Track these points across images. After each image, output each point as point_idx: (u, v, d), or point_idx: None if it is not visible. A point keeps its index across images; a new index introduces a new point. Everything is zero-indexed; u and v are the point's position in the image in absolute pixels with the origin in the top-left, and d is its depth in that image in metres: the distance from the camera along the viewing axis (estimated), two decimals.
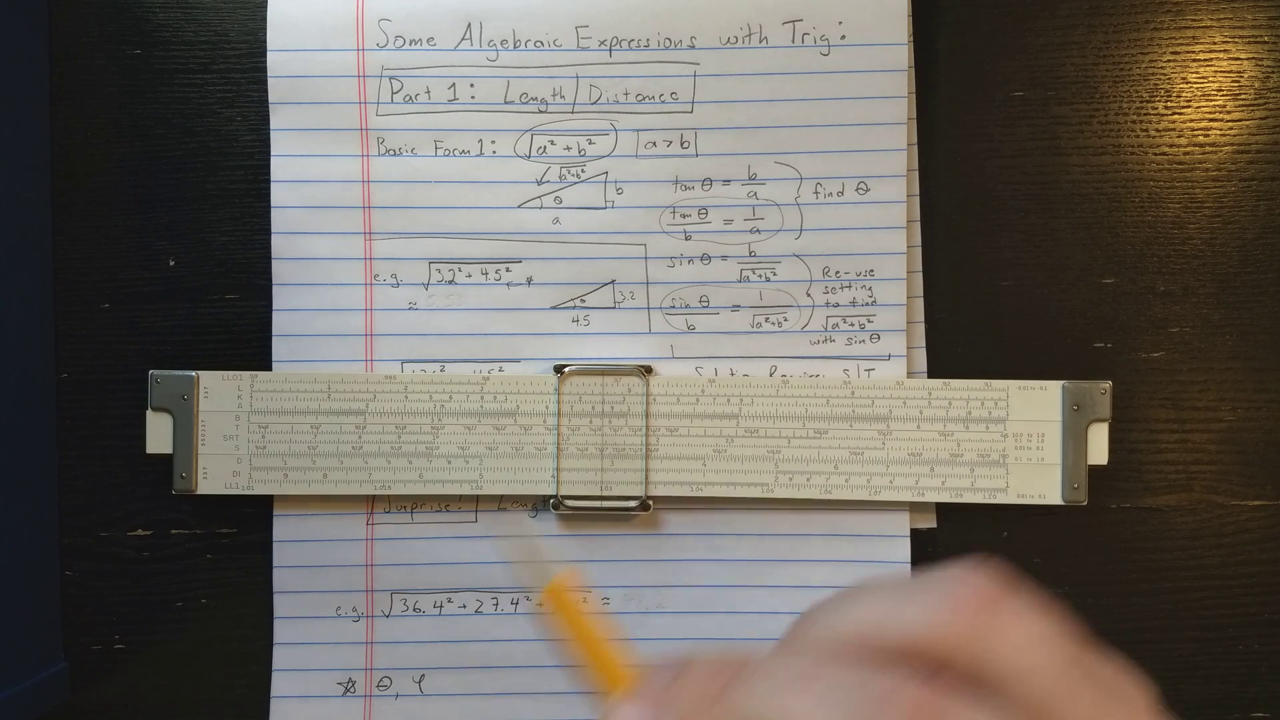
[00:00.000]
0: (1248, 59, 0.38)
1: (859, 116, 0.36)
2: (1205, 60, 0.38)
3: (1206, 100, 0.38)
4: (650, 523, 0.37)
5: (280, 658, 0.37)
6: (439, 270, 0.37)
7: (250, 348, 0.37)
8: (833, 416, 0.36)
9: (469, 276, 0.37)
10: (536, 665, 0.37)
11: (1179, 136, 0.38)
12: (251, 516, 0.37)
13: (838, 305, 0.37)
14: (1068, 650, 0.18)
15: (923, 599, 0.18)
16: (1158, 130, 0.38)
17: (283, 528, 0.37)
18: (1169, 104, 0.38)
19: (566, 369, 0.36)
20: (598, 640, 0.23)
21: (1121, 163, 0.38)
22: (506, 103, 0.37)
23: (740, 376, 0.36)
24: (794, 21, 0.36)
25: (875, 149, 0.36)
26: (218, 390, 0.36)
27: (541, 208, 0.37)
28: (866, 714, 0.17)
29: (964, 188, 0.38)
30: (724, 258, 0.37)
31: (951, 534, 0.37)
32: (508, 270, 0.37)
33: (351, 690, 0.37)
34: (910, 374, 0.37)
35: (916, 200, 0.37)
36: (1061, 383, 0.36)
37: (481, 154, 0.37)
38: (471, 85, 0.36)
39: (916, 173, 0.37)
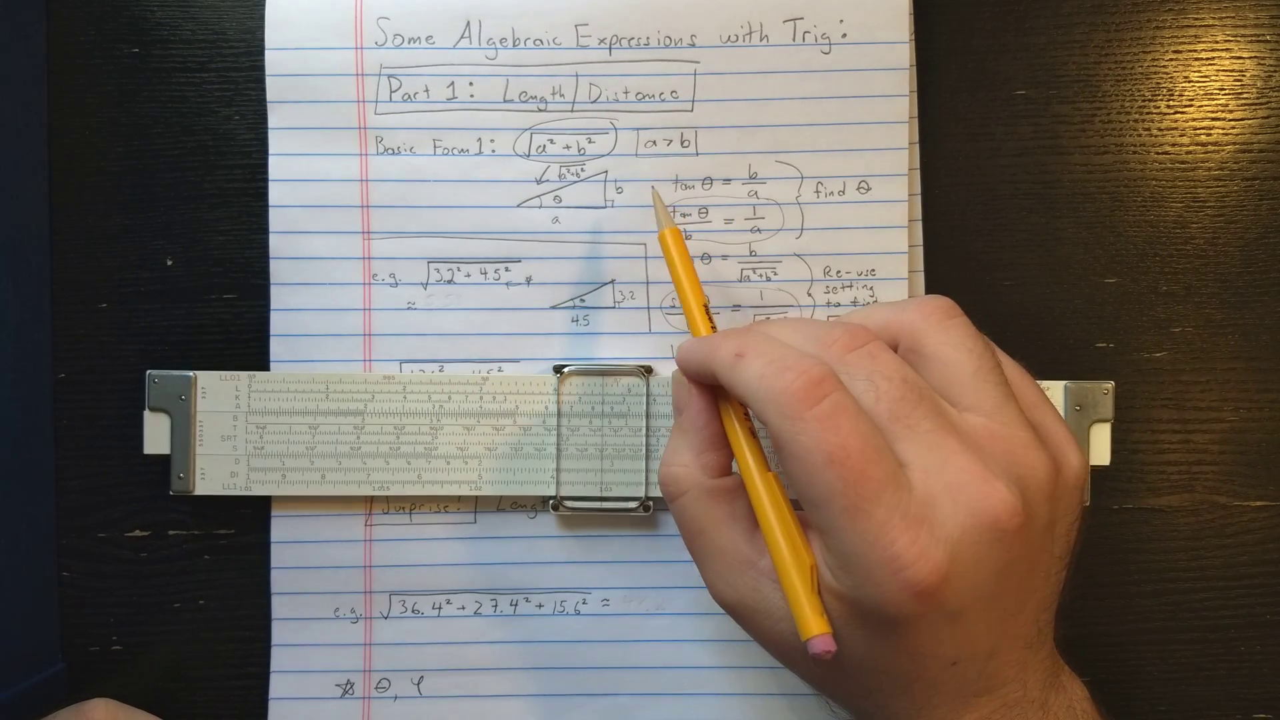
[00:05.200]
0: (1250, 58, 0.38)
1: (860, 115, 0.36)
2: (1207, 59, 0.38)
3: (1209, 99, 0.38)
4: (650, 523, 0.36)
5: (278, 659, 0.36)
6: (438, 270, 0.37)
7: (248, 348, 0.37)
8: None
9: (468, 276, 0.37)
10: (536, 667, 0.36)
11: (1181, 136, 0.38)
12: (249, 517, 0.37)
13: (839, 305, 0.36)
14: (986, 362, 0.27)
15: (897, 304, 0.30)
16: (1160, 129, 0.38)
17: (281, 529, 0.36)
18: (1171, 103, 0.38)
19: (566, 369, 0.36)
20: (693, 289, 0.31)
21: (1124, 162, 0.38)
22: (505, 101, 0.36)
23: None
24: (795, 20, 0.36)
25: (876, 148, 0.36)
26: (215, 390, 0.35)
27: (541, 207, 0.37)
28: (816, 334, 0.28)
29: (965, 187, 0.38)
30: (724, 257, 0.37)
31: None
32: (507, 270, 0.37)
33: (350, 692, 0.36)
34: None
35: (918, 199, 0.37)
36: (1064, 383, 0.36)
37: (480, 153, 0.36)
38: (470, 84, 0.36)
39: (918, 171, 0.37)
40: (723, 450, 0.30)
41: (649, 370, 0.36)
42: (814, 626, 0.26)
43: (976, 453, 0.26)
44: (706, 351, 0.29)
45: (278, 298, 0.36)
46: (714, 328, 0.31)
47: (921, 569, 0.25)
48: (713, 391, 0.30)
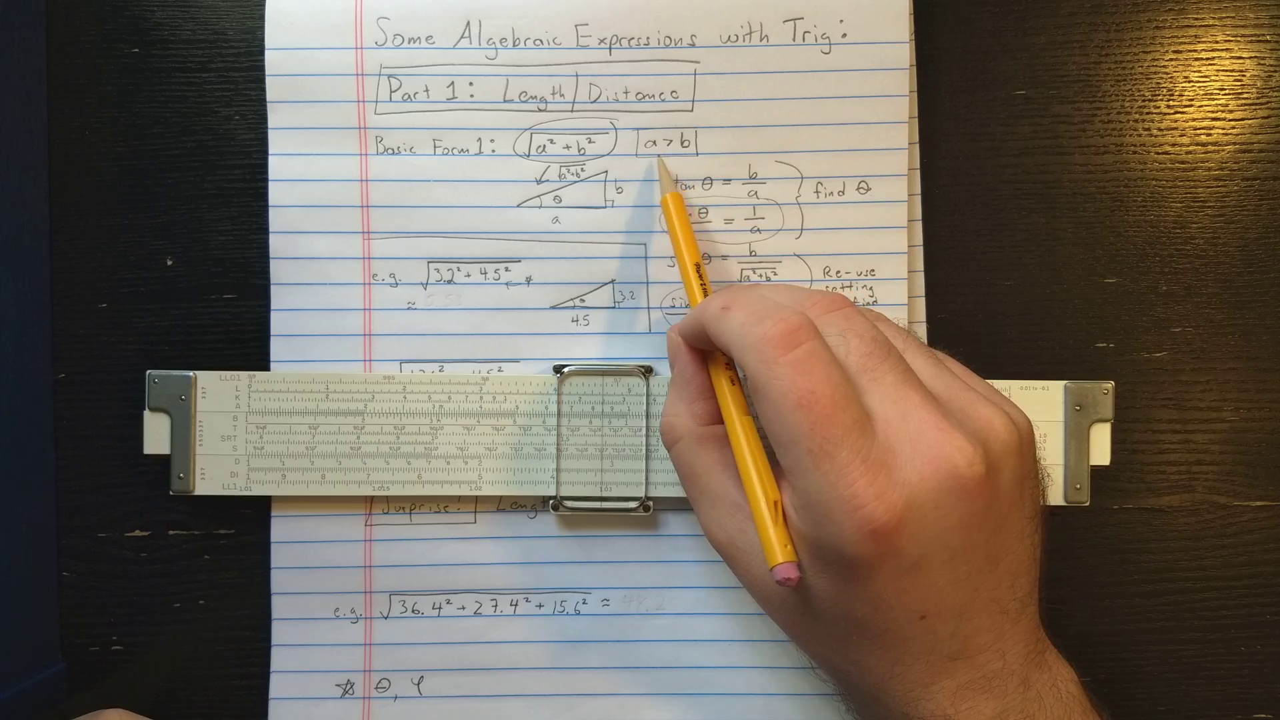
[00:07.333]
0: (1250, 58, 0.38)
1: (860, 115, 0.36)
2: (1207, 59, 0.38)
3: (1209, 99, 0.38)
4: (650, 524, 0.36)
5: (278, 659, 0.36)
6: (438, 270, 0.37)
7: (248, 348, 0.37)
8: None
9: (468, 276, 0.37)
10: (536, 667, 0.36)
11: (1181, 135, 0.38)
12: (249, 517, 0.37)
13: None
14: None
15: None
16: (1160, 129, 0.38)
17: (281, 529, 0.36)
18: (1171, 103, 0.38)
19: (566, 369, 0.36)
20: (689, 249, 0.34)
21: (1124, 162, 0.38)
22: (506, 101, 0.36)
23: None
24: (795, 20, 0.36)
25: (876, 148, 0.36)
26: (215, 390, 0.35)
27: (541, 207, 0.37)
28: (797, 295, 0.30)
29: (965, 187, 0.38)
30: (724, 257, 0.37)
31: None
32: (507, 270, 0.37)
33: (350, 692, 0.36)
34: None
35: (918, 199, 0.37)
36: (1064, 383, 0.36)
37: (480, 153, 0.36)
38: (470, 83, 0.36)
39: (918, 171, 0.37)
40: (710, 399, 0.32)
41: (649, 370, 0.36)
42: (778, 554, 0.28)
43: (938, 408, 0.27)
44: (697, 309, 0.31)
45: (278, 298, 0.36)
46: (705, 285, 0.33)
47: (877, 509, 0.26)
48: (703, 350, 0.32)
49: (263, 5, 0.36)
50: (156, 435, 0.36)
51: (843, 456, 0.26)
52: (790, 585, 0.27)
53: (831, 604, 0.28)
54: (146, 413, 0.36)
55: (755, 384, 0.27)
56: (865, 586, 0.27)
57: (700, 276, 0.33)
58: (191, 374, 0.36)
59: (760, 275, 0.36)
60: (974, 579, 0.27)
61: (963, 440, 0.26)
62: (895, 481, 0.26)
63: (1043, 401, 0.35)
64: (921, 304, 0.37)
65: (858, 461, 0.26)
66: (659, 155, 0.36)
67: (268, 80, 0.36)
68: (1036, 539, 0.30)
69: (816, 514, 0.27)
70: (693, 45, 0.36)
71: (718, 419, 0.31)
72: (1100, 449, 0.36)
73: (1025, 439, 0.29)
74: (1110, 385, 0.36)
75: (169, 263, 0.37)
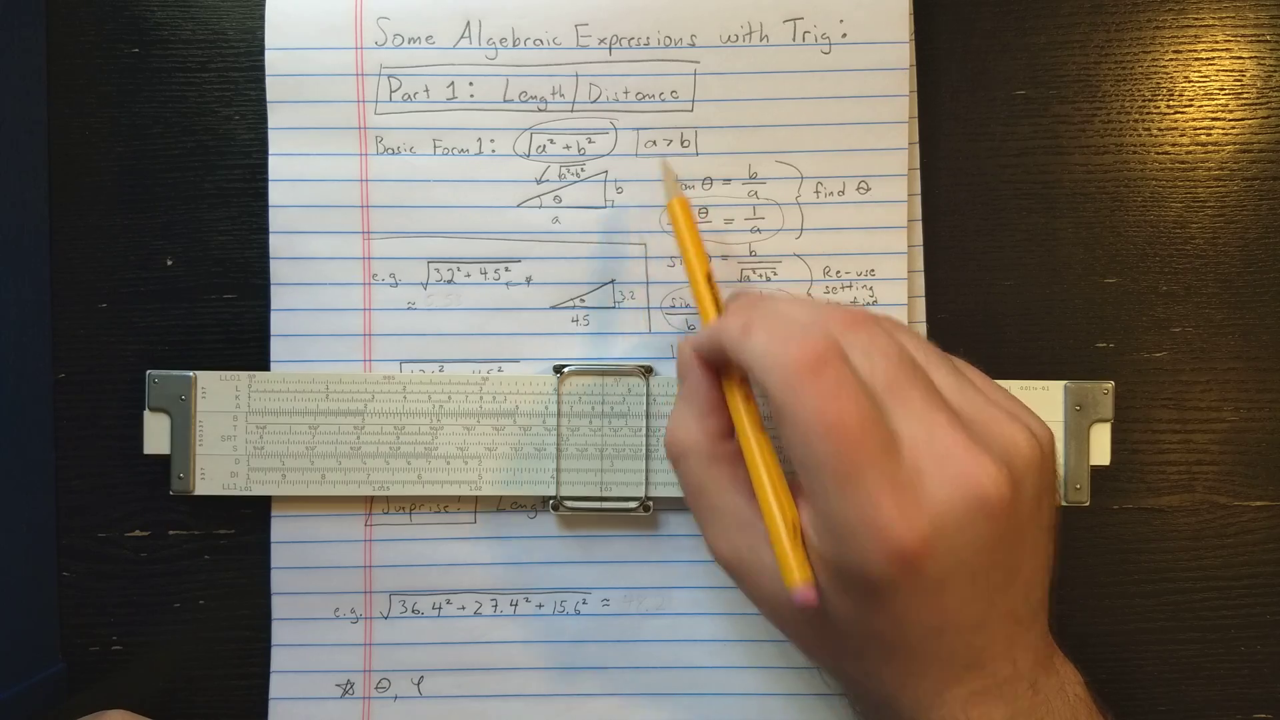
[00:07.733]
0: (1250, 58, 0.38)
1: (860, 115, 0.36)
2: (1207, 59, 0.38)
3: (1209, 99, 0.38)
4: (650, 523, 0.36)
5: (278, 659, 0.36)
6: (438, 270, 0.37)
7: (248, 348, 0.37)
8: None
9: (468, 276, 0.37)
10: (536, 667, 0.36)
11: (1181, 136, 0.38)
12: (249, 517, 0.37)
13: None
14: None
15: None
16: (1160, 129, 0.38)
17: (281, 529, 0.36)
18: (1171, 103, 0.38)
19: (566, 369, 0.36)
20: (698, 257, 0.33)
21: (1124, 162, 0.38)
22: (506, 101, 0.36)
23: None
24: (795, 20, 0.36)
25: (876, 148, 0.36)
26: (215, 390, 0.35)
27: (541, 207, 0.37)
28: (819, 310, 0.29)
29: (965, 187, 0.38)
30: (724, 257, 0.37)
31: None
32: (507, 270, 0.37)
33: (350, 692, 0.36)
34: None
35: (918, 199, 0.37)
36: (1064, 383, 0.36)
37: (480, 153, 0.36)
38: (470, 83, 0.36)
39: (918, 171, 0.37)
40: (724, 415, 0.31)
41: (649, 370, 0.36)
42: (797, 576, 0.27)
43: (965, 428, 0.27)
44: (715, 329, 0.30)
45: (278, 298, 0.36)
46: (716, 296, 0.32)
47: (904, 534, 0.25)
48: (714, 364, 0.31)
49: (263, 5, 0.36)
50: (156, 435, 0.36)
51: (869, 480, 0.26)
52: (810, 606, 0.27)
53: (848, 621, 0.28)
54: (146, 413, 0.36)
55: (779, 408, 0.27)
56: (885, 606, 0.27)
57: (711, 287, 0.32)
58: (191, 374, 0.36)
59: (760, 275, 0.36)
60: (992, 594, 0.27)
61: (990, 463, 0.26)
62: (922, 505, 0.26)
63: (1043, 401, 0.35)
64: (921, 304, 0.37)
65: (885, 485, 0.26)
66: (662, 157, 0.36)
67: (268, 80, 0.36)
68: (1051, 549, 0.29)
69: (839, 536, 0.26)
70: (693, 45, 0.36)
71: (728, 434, 0.31)
72: (1100, 449, 0.36)
73: (1047, 454, 0.29)
74: (1110, 385, 0.36)
75: (169, 263, 0.37)
